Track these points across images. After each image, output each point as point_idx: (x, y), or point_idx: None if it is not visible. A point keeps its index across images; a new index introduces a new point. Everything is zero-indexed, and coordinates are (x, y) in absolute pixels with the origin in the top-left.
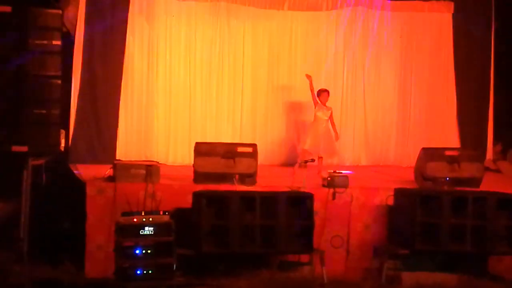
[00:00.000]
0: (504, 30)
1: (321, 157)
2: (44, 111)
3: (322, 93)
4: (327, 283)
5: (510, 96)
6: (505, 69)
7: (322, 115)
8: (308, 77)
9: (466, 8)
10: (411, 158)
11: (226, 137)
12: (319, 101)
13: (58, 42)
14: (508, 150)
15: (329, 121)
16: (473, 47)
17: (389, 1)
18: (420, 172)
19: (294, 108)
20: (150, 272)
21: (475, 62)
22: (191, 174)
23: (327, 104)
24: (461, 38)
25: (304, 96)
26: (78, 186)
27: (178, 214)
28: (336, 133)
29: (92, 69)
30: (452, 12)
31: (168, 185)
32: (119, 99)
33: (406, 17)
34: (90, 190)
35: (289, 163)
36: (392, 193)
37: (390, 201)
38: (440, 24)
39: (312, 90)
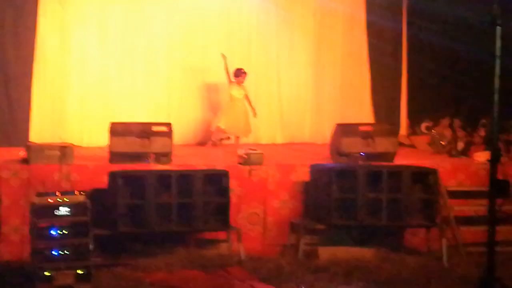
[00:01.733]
0: (416, 5)
1: (238, 136)
2: None
3: (241, 74)
4: (244, 259)
5: (422, 71)
6: (417, 43)
7: (237, 93)
8: (223, 56)
9: None
10: (326, 135)
11: (141, 117)
12: (234, 80)
13: None
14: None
15: (245, 99)
16: (386, 22)
17: None
18: (335, 148)
19: (209, 88)
20: (66, 252)
21: (387, 38)
22: (106, 155)
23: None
24: (374, 15)
25: (219, 76)
26: None
27: (94, 194)
28: (253, 109)
29: (3, 51)
30: None
31: (83, 166)
32: (31, 81)
33: None
34: (3, 173)
35: (204, 142)
36: (308, 169)
37: (306, 177)
38: (353, 1)
39: (226, 69)
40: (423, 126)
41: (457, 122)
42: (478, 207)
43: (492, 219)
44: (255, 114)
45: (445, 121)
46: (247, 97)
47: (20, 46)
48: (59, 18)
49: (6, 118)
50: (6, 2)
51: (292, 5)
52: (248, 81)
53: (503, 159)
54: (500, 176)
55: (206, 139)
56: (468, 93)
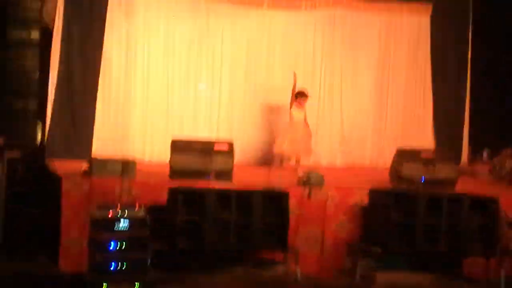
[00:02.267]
0: (481, 33)
1: (298, 157)
2: (21, 104)
3: (303, 97)
4: (301, 281)
5: (486, 99)
6: (481, 72)
7: (299, 114)
8: (295, 75)
9: (444, 11)
10: (387, 159)
11: (203, 135)
12: (296, 101)
13: (37, 35)
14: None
15: (304, 121)
16: (450, 50)
17: (368, 2)
18: (395, 173)
19: (271, 108)
20: (124, 266)
21: (452, 64)
22: (167, 171)
23: None
24: (439, 40)
25: (281, 96)
26: (54, 180)
27: (154, 210)
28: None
29: (70, 64)
30: (430, 14)
31: (144, 181)
32: (96, 94)
33: (384, 19)
34: (65, 185)
35: (265, 162)
36: (367, 193)
37: (365, 201)
38: (418, 26)
39: (293, 89)
40: (485, 154)
41: None
42: None
43: None
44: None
45: (507, 151)
46: (305, 120)
47: (86, 61)
48: (125, 36)
49: (70, 131)
50: (74, 19)
51: (357, 28)
52: (311, 103)
53: None
54: None
55: (267, 159)
56: None
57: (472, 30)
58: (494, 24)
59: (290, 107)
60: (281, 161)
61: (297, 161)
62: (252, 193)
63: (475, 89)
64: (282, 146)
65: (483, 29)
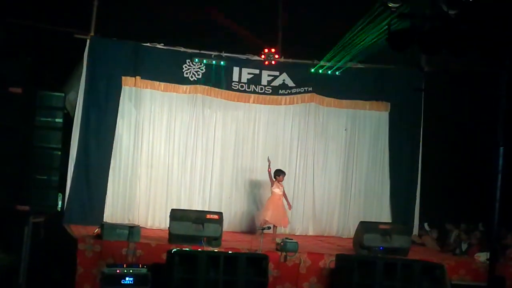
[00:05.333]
0: (430, 124)
1: (276, 226)
2: (45, 177)
3: (281, 174)
4: None
5: (434, 181)
6: (430, 160)
7: (279, 191)
8: (269, 161)
9: (400, 108)
10: (351, 230)
11: (197, 206)
12: (275, 180)
13: (60, 120)
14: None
15: (283, 195)
16: (405, 140)
17: (337, 99)
18: (358, 242)
19: (255, 185)
20: None
21: (406, 151)
22: (166, 236)
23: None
24: (395, 131)
25: (263, 175)
26: (71, 241)
27: (155, 268)
28: (289, 204)
29: (87, 144)
30: (389, 110)
31: (147, 244)
32: (108, 170)
33: (350, 113)
34: (80, 246)
35: (249, 230)
36: (334, 258)
37: (332, 265)
38: (378, 120)
39: (269, 172)
40: (426, 227)
41: (463, 226)
42: None
43: None
44: (290, 207)
45: (449, 225)
46: (284, 194)
47: (101, 143)
48: (134, 120)
49: (85, 200)
50: (92, 108)
51: (327, 122)
52: (288, 181)
53: (500, 259)
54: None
55: (251, 227)
56: (471, 200)
57: (423, 123)
58: (443, 116)
59: (271, 186)
60: (262, 228)
61: (274, 229)
62: (238, 256)
63: (425, 173)
64: (266, 218)
65: (432, 121)
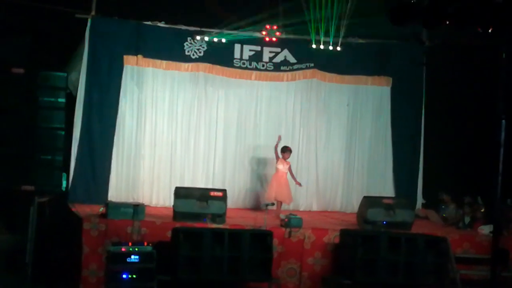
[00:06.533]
0: (432, 99)
1: (280, 202)
2: (49, 157)
3: (286, 151)
4: None
5: (436, 155)
6: (434, 130)
7: (283, 168)
8: (279, 137)
9: (402, 83)
10: (355, 206)
11: (201, 183)
12: (280, 156)
13: (63, 100)
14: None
15: (289, 173)
16: (407, 114)
17: (339, 75)
18: (361, 217)
19: (258, 162)
20: None
21: (408, 125)
22: (170, 213)
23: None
24: (397, 106)
25: (266, 152)
26: (76, 221)
27: (160, 246)
28: (296, 181)
29: (90, 124)
30: (391, 85)
31: (151, 222)
32: (112, 150)
33: (352, 89)
34: (86, 225)
35: (253, 207)
36: (338, 233)
37: (337, 240)
38: (380, 95)
39: (276, 147)
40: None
41: (467, 199)
42: (481, 272)
43: (493, 283)
44: (299, 184)
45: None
46: (291, 171)
47: (103, 122)
48: (136, 99)
49: (90, 180)
50: (94, 87)
51: (329, 97)
52: (291, 157)
53: (503, 232)
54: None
55: (255, 204)
56: (474, 174)
57: (425, 98)
58: (445, 90)
59: (276, 162)
60: (266, 204)
61: (279, 206)
62: (242, 232)
63: (428, 145)
64: (272, 194)
65: (434, 94)
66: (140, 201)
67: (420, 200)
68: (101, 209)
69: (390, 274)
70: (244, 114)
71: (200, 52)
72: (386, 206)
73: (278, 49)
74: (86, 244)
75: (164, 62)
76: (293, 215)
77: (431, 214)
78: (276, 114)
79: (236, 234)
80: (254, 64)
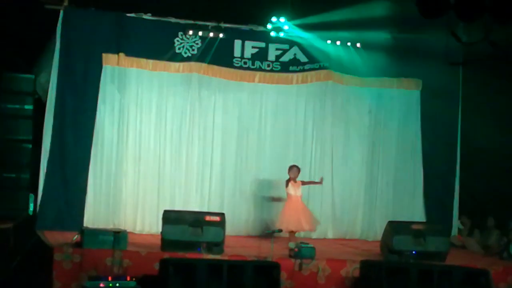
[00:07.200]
0: (470, 104)
1: (293, 231)
2: (13, 175)
3: (292, 168)
4: None
5: (477, 171)
6: (471, 143)
7: (295, 192)
8: (321, 179)
9: (434, 85)
10: (378, 232)
11: (195, 206)
12: (288, 180)
13: (30, 107)
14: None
15: (303, 187)
16: (441, 123)
17: (358, 77)
18: (386, 245)
19: (262, 181)
20: None
21: (442, 138)
22: (158, 242)
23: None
24: (429, 114)
25: (272, 168)
26: (45, 251)
27: (145, 281)
28: (315, 182)
29: (63, 135)
30: (421, 88)
31: (135, 252)
32: (88, 166)
33: (374, 93)
34: (57, 256)
35: (256, 234)
36: (358, 265)
37: (356, 273)
38: (408, 100)
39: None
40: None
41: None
42: None
43: None
44: (321, 180)
45: (490, 222)
46: (304, 184)
47: (78, 133)
48: (117, 105)
49: (62, 202)
50: (67, 91)
51: (348, 102)
52: (303, 175)
53: None
54: None
55: (258, 230)
56: None
57: (461, 103)
58: (483, 100)
59: (286, 187)
60: (272, 230)
61: (292, 234)
62: (243, 264)
63: (465, 162)
64: (289, 225)
65: (472, 102)
66: (122, 227)
67: (456, 225)
68: (76, 236)
69: None
70: (245, 123)
71: (193, 50)
72: (415, 233)
73: (287, 46)
74: (57, 279)
75: (151, 61)
76: (304, 243)
77: (470, 243)
78: (284, 123)
79: (237, 267)
80: (257, 63)
